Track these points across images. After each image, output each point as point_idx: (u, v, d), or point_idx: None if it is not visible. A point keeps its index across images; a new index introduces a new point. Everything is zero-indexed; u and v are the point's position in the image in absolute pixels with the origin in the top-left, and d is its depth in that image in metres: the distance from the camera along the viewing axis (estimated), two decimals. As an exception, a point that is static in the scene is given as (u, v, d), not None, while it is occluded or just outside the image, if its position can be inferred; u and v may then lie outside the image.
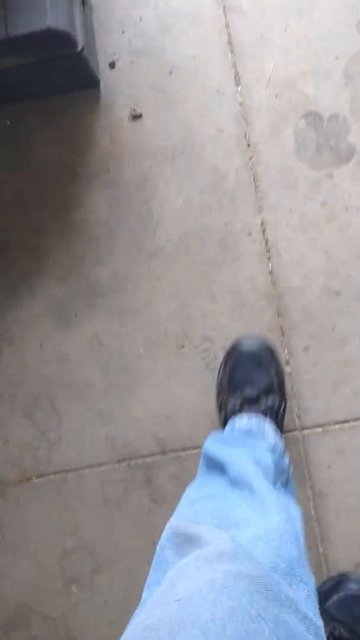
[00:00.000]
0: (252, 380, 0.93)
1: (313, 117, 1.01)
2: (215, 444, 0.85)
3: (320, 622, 0.57)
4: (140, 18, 1.06)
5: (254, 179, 1.02)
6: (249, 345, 0.95)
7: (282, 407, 0.94)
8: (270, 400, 0.92)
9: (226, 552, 0.56)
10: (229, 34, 1.03)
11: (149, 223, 1.04)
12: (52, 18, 0.81)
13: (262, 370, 0.93)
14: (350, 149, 1.00)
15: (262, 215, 1.01)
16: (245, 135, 1.02)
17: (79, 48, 0.87)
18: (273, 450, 0.84)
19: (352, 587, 0.93)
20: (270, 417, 0.90)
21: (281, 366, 0.96)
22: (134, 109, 1.05)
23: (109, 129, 1.06)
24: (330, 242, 1.00)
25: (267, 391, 0.92)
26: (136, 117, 1.05)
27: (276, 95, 1.02)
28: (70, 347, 1.05)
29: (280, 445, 0.87)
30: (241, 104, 1.02)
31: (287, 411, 0.96)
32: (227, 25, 1.03)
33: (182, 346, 1.02)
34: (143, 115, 1.05)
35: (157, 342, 1.03)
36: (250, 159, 1.02)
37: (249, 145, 1.02)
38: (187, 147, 1.04)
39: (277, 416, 0.92)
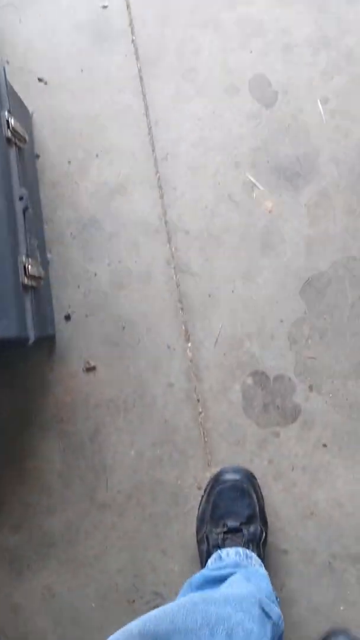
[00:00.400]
0: (235, 511, 0.96)
1: (259, 376, 1.06)
2: (213, 587, 0.85)
3: None
4: (95, 274, 1.10)
5: (203, 433, 1.05)
6: (232, 476, 0.98)
7: (264, 534, 0.97)
8: (252, 529, 0.95)
9: None
10: (180, 293, 1.08)
11: (101, 473, 1.06)
12: (2, 328, 0.84)
13: (244, 501, 0.97)
14: (295, 409, 1.05)
15: (212, 469, 1.04)
16: (195, 390, 1.06)
17: (30, 342, 0.91)
18: (269, 597, 0.84)
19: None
20: (253, 547, 0.93)
21: (261, 493, 1.00)
22: (87, 361, 1.08)
23: (64, 379, 1.09)
24: (277, 500, 1.03)
25: (250, 520, 0.96)
26: (90, 369, 1.08)
27: (224, 354, 1.07)
28: (21, 598, 1.06)
29: (272, 590, 0.88)
30: (191, 360, 1.07)
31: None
32: (178, 285, 1.08)
33: (133, 601, 1.04)
34: (97, 367, 1.08)
35: (108, 597, 1.04)
36: (200, 413, 1.06)
37: (198, 400, 1.06)
38: (139, 400, 1.07)
39: (260, 545, 0.95)
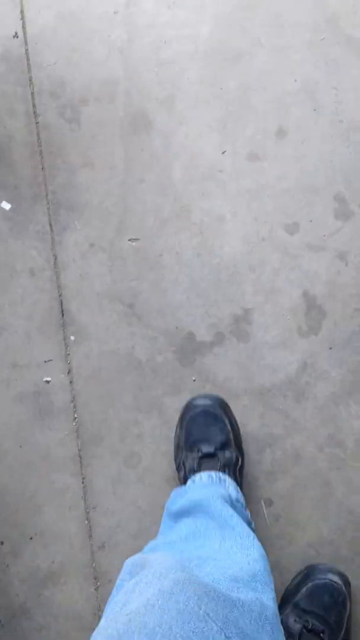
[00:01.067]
0: (209, 437, 0.96)
1: None
2: (180, 495, 0.88)
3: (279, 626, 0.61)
4: None
5: None
6: (202, 402, 0.99)
7: (240, 461, 0.97)
8: (227, 454, 0.94)
9: (175, 565, 0.58)
10: None
11: None
12: None
13: (217, 426, 0.97)
14: None
15: None
16: None
17: None
18: (233, 504, 0.85)
19: (320, 576, 0.93)
20: (229, 471, 0.93)
21: (235, 420, 1.00)
22: None
23: None
24: None
25: (224, 446, 0.96)
26: None
27: None
28: None
29: (242, 500, 0.90)
30: None
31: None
32: None
33: None
34: None
35: None
36: None
37: None
38: None
39: (236, 470, 0.95)
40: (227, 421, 0.98)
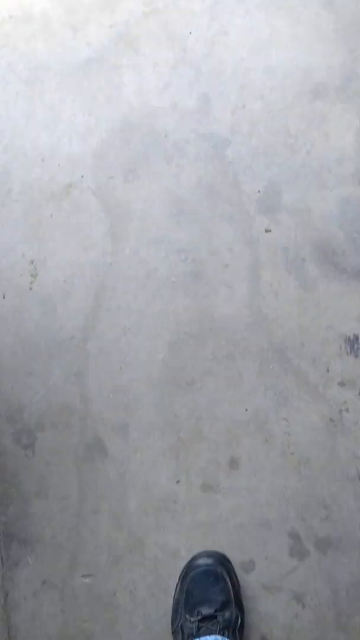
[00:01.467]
0: (209, 598, 0.94)
1: None
2: None
3: None
4: None
5: None
6: (204, 561, 0.97)
7: (240, 619, 0.95)
8: (227, 615, 0.93)
9: None
10: None
11: None
12: None
13: (218, 586, 0.95)
14: None
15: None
16: None
17: None
18: None
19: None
20: (229, 633, 0.91)
21: (236, 575, 0.98)
22: None
23: None
24: None
25: (224, 606, 0.94)
26: None
27: None
28: None
29: None
30: None
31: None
32: None
33: None
34: None
35: None
36: None
37: None
38: None
39: (235, 631, 0.93)
40: (228, 579, 0.98)
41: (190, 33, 1.21)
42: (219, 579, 0.97)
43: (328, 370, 1.12)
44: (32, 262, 1.20)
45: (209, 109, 1.18)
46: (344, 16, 1.16)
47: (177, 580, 1.02)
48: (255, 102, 1.17)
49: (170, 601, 1.04)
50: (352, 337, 1.11)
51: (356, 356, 1.11)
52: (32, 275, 1.20)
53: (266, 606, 1.06)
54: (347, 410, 1.10)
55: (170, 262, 1.16)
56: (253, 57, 1.17)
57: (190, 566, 1.01)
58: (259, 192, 1.15)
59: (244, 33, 1.18)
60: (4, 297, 1.20)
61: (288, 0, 1.17)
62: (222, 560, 1.01)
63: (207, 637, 0.92)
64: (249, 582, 1.07)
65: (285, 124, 1.15)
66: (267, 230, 1.13)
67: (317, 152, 1.14)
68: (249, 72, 1.17)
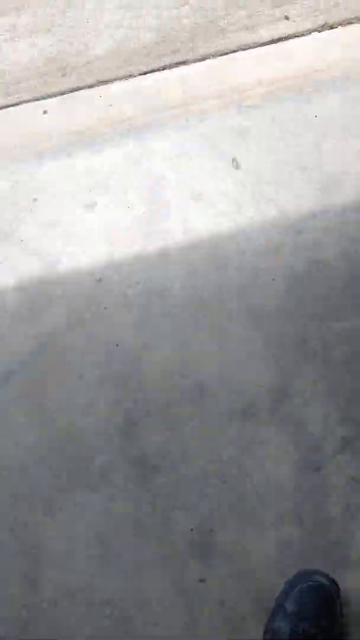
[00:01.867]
0: (317, 617, 0.90)
1: None
2: None
3: None
4: None
5: None
6: (320, 580, 0.93)
7: None
8: None
9: None
10: None
11: None
12: None
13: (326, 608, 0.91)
14: None
15: None
16: None
17: None
18: None
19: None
20: None
21: (341, 607, 0.93)
22: None
23: None
24: None
25: (325, 632, 0.89)
26: None
27: None
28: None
29: None
30: None
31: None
32: None
33: None
34: None
35: None
36: None
37: None
38: None
39: None
40: (338, 604, 0.93)
41: (117, 345, 1.16)
42: (329, 602, 0.92)
43: None
44: None
45: (137, 430, 1.10)
46: (272, 334, 1.11)
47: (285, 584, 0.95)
48: (185, 424, 1.09)
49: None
50: None
51: None
52: None
53: None
54: None
55: (94, 617, 1.02)
56: (182, 371, 1.11)
57: (303, 578, 0.94)
58: (191, 530, 1.03)
59: (171, 346, 1.13)
60: None
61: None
62: (336, 587, 0.95)
63: None
64: None
65: (217, 449, 1.07)
66: (201, 580, 1.00)
67: (251, 484, 1.04)
68: (176, 388, 1.10)
